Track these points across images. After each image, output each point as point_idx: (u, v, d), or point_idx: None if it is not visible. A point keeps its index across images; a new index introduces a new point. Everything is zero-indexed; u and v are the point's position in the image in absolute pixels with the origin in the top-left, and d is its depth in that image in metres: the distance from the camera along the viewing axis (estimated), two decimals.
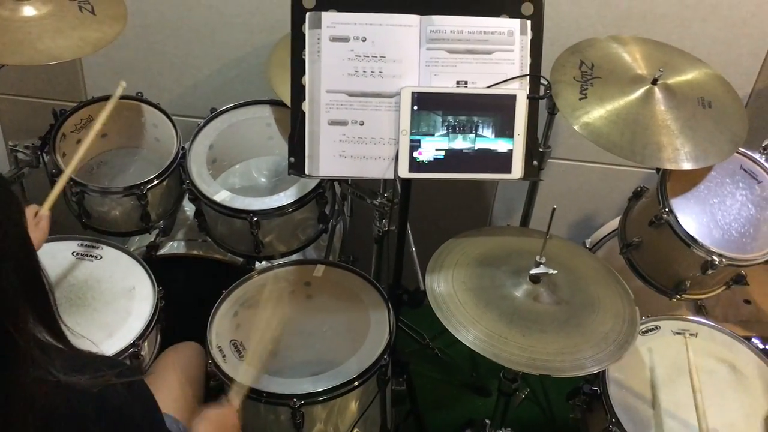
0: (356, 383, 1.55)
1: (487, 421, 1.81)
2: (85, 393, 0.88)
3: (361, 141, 1.54)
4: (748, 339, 1.76)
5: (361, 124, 1.54)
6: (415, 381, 2.05)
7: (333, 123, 1.53)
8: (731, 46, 1.98)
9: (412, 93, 1.51)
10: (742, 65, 2.01)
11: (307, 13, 1.50)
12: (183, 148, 1.91)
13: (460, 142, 1.54)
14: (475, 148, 1.55)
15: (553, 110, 1.78)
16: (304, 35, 1.50)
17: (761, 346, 1.77)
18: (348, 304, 1.72)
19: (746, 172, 1.73)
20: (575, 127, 1.62)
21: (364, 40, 1.52)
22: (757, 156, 1.75)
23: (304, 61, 1.51)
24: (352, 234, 2.30)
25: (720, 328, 1.74)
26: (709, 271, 1.63)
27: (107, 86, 2.16)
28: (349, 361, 1.58)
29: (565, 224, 2.43)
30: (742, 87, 2.03)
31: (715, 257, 1.62)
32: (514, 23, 1.55)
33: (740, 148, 1.71)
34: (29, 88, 2.29)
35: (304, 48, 1.50)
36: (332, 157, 1.54)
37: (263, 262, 1.88)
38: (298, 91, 1.52)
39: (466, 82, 1.56)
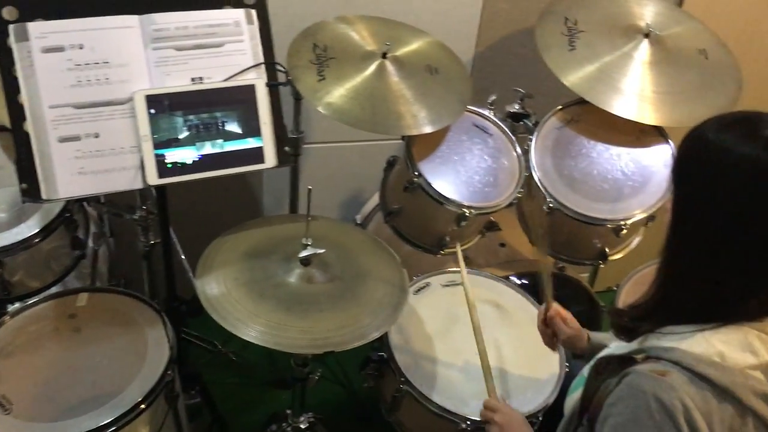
0: (142, 406, 1.46)
1: (288, 411, 1.81)
2: None
3: (100, 154, 1.45)
4: (507, 278, 1.94)
5: (96, 136, 1.45)
6: (212, 390, 2.00)
7: (64, 140, 1.42)
8: (449, 16, 2.14)
9: (146, 96, 1.45)
10: (461, 32, 2.19)
11: (10, 26, 1.37)
12: None
13: (208, 140, 1.51)
14: (225, 144, 1.53)
15: (297, 96, 1.81)
16: (11, 50, 1.38)
17: (518, 281, 1.96)
18: (121, 328, 1.62)
19: (478, 127, 1.89)
20: (319, 108, 1.66)
21: (81, 48, 1.42)
22: (485, 112, 1.92)
23: (17, 79, 1.38)
24: (121, 254, 2.17)
25: (481, 272, 1.90)
26: (463, 223, 1.77)
27: None
28: (131, 386, 1.49)
29: (335, 205, 2.49)
30: (465, 52, 2.21)
31: (465, 209, 1.75)
32: (239, 13, 1.54)
33: (470, 107, 1.86)
34: None
35: (14, 64, 1.38)
36: (70, 175, 1.43)
37: (16, 304, 1.70)
38: (16, 112, 1.39)
39: (201, 78, 1.53)
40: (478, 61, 2.26)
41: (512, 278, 1.96)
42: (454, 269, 1.90)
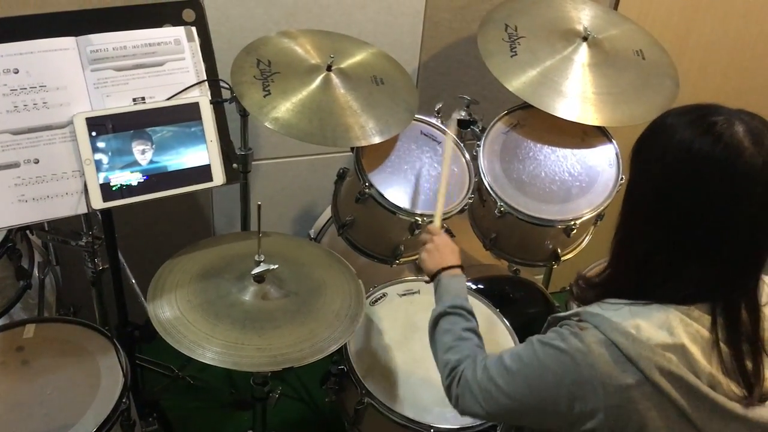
0: None
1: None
2: None
3: (41, 180, 1.42)
4: None
5: (36, 162, 1.41)
6: (171, 415, 1.96)
7: (2, 167, 1.39)
8: (391, 27, 2.15)
9: (86, 119, 1.42)
10: (405, 42, 2.20)
11: None
12: None
13: (153, 160, 1.49)
14: (171, 164, 1.51)
15: (243, 112, 1.79)
16: None
17: (474, 287, 1.97)
18: (72, 359, 1.57)
19: (426, 135, 1.90)
20: (266, 124, 1.64)
21: (16, 72, 1.39)
22: (433, 120, 1.93)
23: None
24: (68, 282, 2.11)
25: None
26: (417, 232, 1.77)
27: None
28: (84, 418, 1.45)
29: (288, 220, 2.47)
30: (410, 62, 2.23)
31: (418, 218, 1.75)
32: (179, 31, 1.53)
33: (417, 115, 1.87)
34: None
35: None
36: (10, 204, 1.39)
37: None
38: None
39: (143, 98, 1.50)
40: (423, 71, 2.28)
41: (468, 284, 1.96)
42: (411, 278, 1.90)
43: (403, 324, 1.78)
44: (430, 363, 1.66)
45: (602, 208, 1.84)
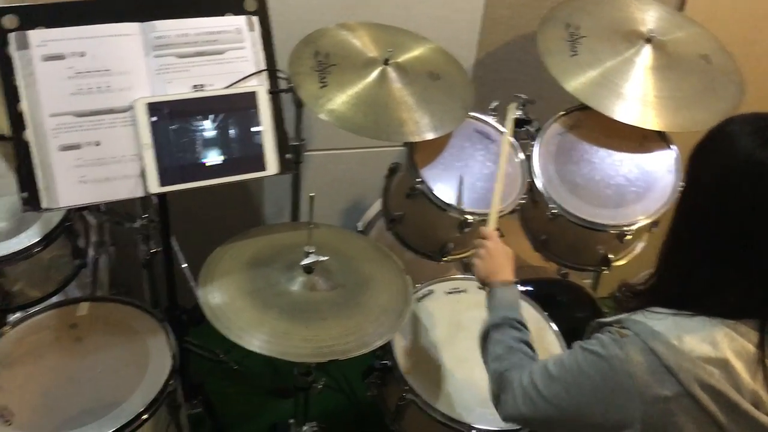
0: (145, 416, 1.45)
1: (291, 421, 1.79)
2: None
3: (101, 162, 1.45)
4: None
5: (97, 144, 1.44)
6: (213, 399, 1.99)
7: (65, 148, 1.42)
8: (449, 22, 2.14)
9: (147, 104, 1.45)
10: (462, 38, 2.18)
11: (11, 35, 1.37)
12: None
13: (210, 147, 1.51)
14: (226, 151, 1.53)
15: (299, 103, 1.80)
16: (12, 58, 1.37)
17: (522, 288, 1.94)
18: (122, 338, 1.61)
19: (480, 133, 1.88)
20: (321, 115, 1.65)
21: (82, 56, 1.42)
22: (487, 118, 1.91)
23: (17, 87, 1.38)
24: (122, 263, 2.16)
25: None
26: (466, 230, 1.75)
27: None
28: (133, 396, 1.49)
29: (336, 212, 2.48)
30: (466, 58, 2.21)
31: (468, 216, 1.74)
32: (240, 20, 1.54)
33: (471, 113, 1.85)
34: None
35: (15, 72, 1.37)
36: (71, 184, 1.43)
37: (17, 313, 1.69)
38: (16, 120, 1.39)
39: (203, 86, 1.52)
40: (479, 68, 2.25)
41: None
42: (458, 276, 1.89)
43: (448, 322, 1.77)
44: (474, 363, 1.66)
45: (658, 215, 1.80)
